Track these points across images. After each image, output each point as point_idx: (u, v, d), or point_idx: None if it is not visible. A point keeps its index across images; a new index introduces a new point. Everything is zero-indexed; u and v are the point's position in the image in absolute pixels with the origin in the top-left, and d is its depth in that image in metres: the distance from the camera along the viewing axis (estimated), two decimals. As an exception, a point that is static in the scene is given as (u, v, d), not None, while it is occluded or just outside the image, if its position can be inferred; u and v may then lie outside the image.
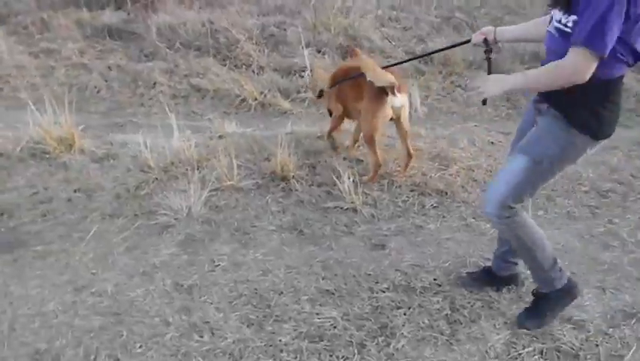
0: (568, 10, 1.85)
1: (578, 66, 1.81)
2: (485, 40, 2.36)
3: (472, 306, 2.63)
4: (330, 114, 4.09)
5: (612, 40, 1.76)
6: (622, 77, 1.98)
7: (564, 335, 2.45)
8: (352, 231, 3.29)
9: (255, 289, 2.73)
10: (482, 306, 2.66)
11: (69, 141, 4.02)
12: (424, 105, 5.40)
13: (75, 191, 3.52)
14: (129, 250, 3.00)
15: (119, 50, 6.10)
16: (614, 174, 4.22)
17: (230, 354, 2.29)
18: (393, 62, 6.20)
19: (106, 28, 6.33)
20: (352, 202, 3.48)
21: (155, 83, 5.51)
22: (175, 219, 3.25)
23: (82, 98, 5.17)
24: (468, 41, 2.49)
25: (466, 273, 2.85)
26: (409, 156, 3.74)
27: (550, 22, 2.01)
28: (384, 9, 7.87)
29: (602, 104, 1.96)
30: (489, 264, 2.83)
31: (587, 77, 1.82)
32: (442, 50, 3.16)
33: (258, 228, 3.26)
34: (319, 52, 6.50)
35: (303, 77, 5.71)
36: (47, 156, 3.89)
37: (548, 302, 2.45)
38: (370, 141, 3.55)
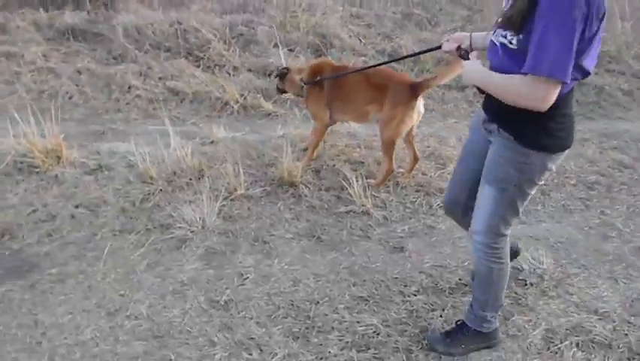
0: (519, 32, 1.77)
1: (544, 96, 1.72)
2: (459, 48, 2.22)
3: (502, 304, 2.72)
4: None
5: (572, 64, 1.68)
6: (571, 90, 1.91)
7: (595, 327, 2.59)
8: (368, 235, 3.33)
9: (291, 300, 2.71)
10: (511, 303, 2.76)
11: (57, 153, 3.82)
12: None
13: (77, 207, 3.36)
14: (151, 267, 2.91)
15: (85, 52, 5.82)
16: (594, 166, 4.47)
17: (286, 370, 2.28)
18: (367, 60, 6.28)
19: (69, 30, 6.02)
20: (363, 205, 3.52)
21: (129, 87, 5.30)
22: (191, 232, 3.18)
23: (52, 105, 4.89)
24: (439, 47, 2.34)
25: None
26: (416, 159, 3.81)
27: (495, 32, 1.94)
28: (345, 5, 7.91)
29: (552, 119, 1.87)
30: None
31: (551, 104, 1.74)
32: (414, 55, 3.34)
33: (275, 236, 3.24)
34: (290, 50, 6.46)
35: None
36: (37, 170, 3.68)
37: (468, 337, 2.41)
38: (391, 147, 3.57)
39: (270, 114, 5.14)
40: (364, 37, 7.05)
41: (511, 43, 1.81)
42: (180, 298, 2.67)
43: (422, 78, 3.68)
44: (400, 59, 5.80)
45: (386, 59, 6.26)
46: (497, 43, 1.89)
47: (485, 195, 2.12)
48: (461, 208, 2.39)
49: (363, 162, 4.04)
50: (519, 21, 1.75)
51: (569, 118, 1.96)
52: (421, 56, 6.53)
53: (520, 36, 1.77)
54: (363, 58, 6.40)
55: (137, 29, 6.13)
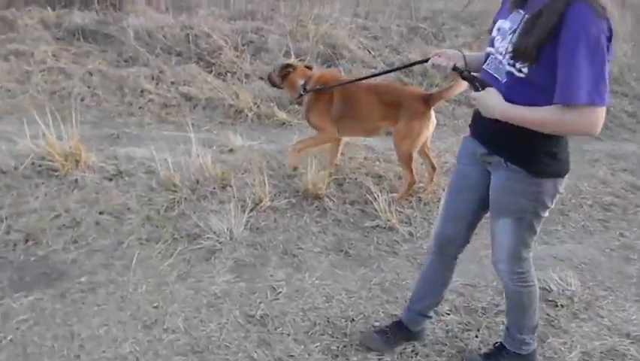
0: (532, 63, 1.75)
1: (595, 123, 1.70)
2: (455, 68, 2.06)
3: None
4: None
5: (607, 88, 1.68)
6: None
7: (629, 350, 2.61)
8: (395, 250, 3.32)
9: (326, 317, 2.69)
10: (544, 325, 2.77)
11: (75, 157, 3.75)
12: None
13: (101, 213, 3.30)
14: (182, 278, 2.87)
15: (96, 53, 5.74)
16: (608, 187, 4.53)
17: (331, 389, 2.26)
18: (374, 72, 6.26)
19: (79, 30, 5.93)
20: (389, 221, 3.51)
21: (142, 91, 5.24)
22: (219, 242, 3.14)
23: (65, 106, 4.82)
24: (426, 61, 2.18)
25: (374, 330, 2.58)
26: (433, 168, 3.83)
27: (488, 61, 1.93)
28: (351, 17, 7.94)
29: (557, 145, 1.90)
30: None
31: (600, 127, 1.72)
32: (402, 67, 3.88)
33: (304, 250, 3.22)
34: (300, 60, 6.45)
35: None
36: (56, 173, 3.61)
37: (507, 360, 2.39)
38: (410, 160, 3.59)
39: (284, 123, 5.12)
40: (372, 50, 7.07)
41: (520, 71, 1.80)
42: (215, 312, 2.63)
43: (435, 90, 3.81)
44: (388, 71, 5.66)
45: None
46: (500, 74, 1.87)
47: (502, 227, 2.08)
48: (458, 245, 2.32)
49: (383, 176, 4.03)
50: (535, 53, 1.73)
51: (567, 141, 1.97)
52: (430, 70, 6.58)
53: (533, 65, 1.76)
54: (373, 70, 6.41)
55: (147, 32, 6.07)
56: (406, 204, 3.73)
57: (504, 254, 2.14)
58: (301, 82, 3.76)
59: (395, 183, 3.93)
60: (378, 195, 3.59)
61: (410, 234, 3.47)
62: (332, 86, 3.64)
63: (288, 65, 3.86)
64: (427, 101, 3.57)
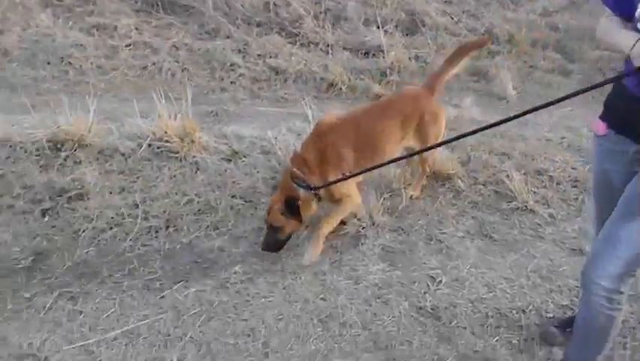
0: None
1: None
2: None
3: None
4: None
5: None
6: None
7: None
8: (540, 234, 3.16)
9: (496, 308, 2.57)
10: None
11: (191, 137, 3.63)
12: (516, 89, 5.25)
13: (233, 197, 3.20)
14: (336, 267, 2.76)
15: (177, 25, 5.56)
16: None
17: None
18: (460, 41, 5.93)
19: (157, 1, 5.75)
20: (526, 202, 3.34)
21: (231, 65, 5.08)
22: (362, 228, 3.01)
23: (157, 82, 4.70)
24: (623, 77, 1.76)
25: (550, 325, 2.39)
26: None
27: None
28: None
29: None
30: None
31: None
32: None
33: (447, 235, 3.08)
34: (378, 28, 6.18)
35: (383, 57, 5.42)
36: (176, 155, 3.50)
37: None
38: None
39: (380, 97, 4.92)
40: (450, 15, 6.76)
41: None
42: (384, 304, 2.53)
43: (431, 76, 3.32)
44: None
45: (477, 39, 5.93)
46: None
47: (632, 231, 1.75)
48: None
49: (507, 154, 3.83)
50: None
51: None
52: (516, 36, 6.26)
53: None
54: (456, 38, 6.13)
55: (226, 2, 5.86)
56: (538, 183, 3.54)
57: (620, 266, 1.76)
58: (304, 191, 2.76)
59: (523, 162, 3.71)
60: (512, 175, 3.41)
61: (551, 216, 3.29)
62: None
63: (291, 198, 2.72)
64: (431, 89, 3.16)
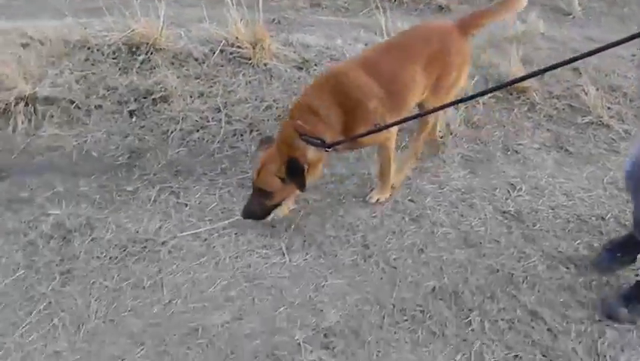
0: None
1: None
2: None
3: None
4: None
5: None
6: None
7: None
8: (615, 148, 3.20)
9: (576, 215, 2.66)
10: None
11: (262, 43, 3.63)
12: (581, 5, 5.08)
13: (311, 104, 3.23)
14: (420, 172, 2.84)
15: None
16: None
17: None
18: None
19: None
20: (600, 117, 3.35)
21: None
22: (440, 137, 3.06)
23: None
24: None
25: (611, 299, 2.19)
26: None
27: None
28: None
29: None
30: None
31: None
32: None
33: (523, 146, 3.13)
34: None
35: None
36: (249, 61, 3.52)
37: None
38: None
39: (442, 8, 4.83)
40: None
41: None
42: (470, 207, 2.63)
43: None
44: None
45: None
46: None
47: None
48: None
49: (579, 69, 3.78)
50: None
51: None
52: None
53: None
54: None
55: None
56: (612, 99, 3.52)
57: None
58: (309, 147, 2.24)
59: (596, 77, 3.67)
60: (588, 90, 3.39)
61: (626, 132, 3.30)
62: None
63: (291, 160, 2.20)
64: (464, 28, 2.55)
